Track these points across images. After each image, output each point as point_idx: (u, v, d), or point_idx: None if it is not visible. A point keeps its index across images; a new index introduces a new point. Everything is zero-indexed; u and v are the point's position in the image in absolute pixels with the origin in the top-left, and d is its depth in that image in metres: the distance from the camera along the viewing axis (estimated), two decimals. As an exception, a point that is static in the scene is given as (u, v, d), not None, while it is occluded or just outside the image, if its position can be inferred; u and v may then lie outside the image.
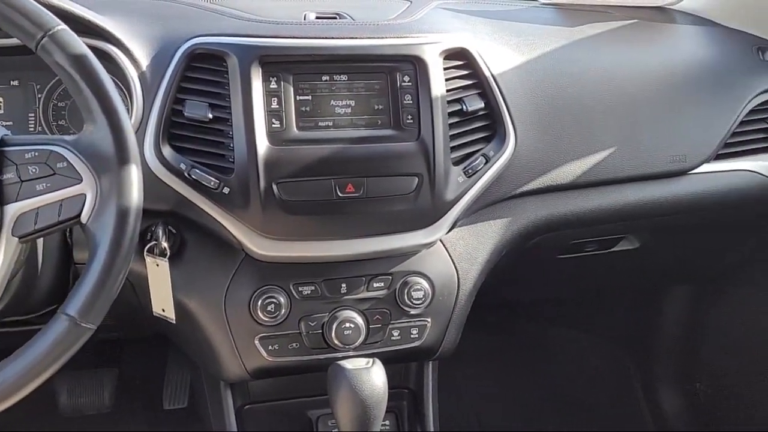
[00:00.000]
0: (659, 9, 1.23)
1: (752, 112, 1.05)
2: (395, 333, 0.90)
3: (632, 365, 1.62)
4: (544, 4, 1.18)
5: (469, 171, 0.87)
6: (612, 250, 1.16)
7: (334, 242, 0.85)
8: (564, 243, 1.10)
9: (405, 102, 0.83)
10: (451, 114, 0.86)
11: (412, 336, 0.91)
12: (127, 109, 0.79)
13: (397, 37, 0.85)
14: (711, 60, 1.09)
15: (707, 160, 1.02)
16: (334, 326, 0.86)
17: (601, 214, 1.00)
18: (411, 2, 0.98)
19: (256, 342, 0.86)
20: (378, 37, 0.84)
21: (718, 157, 1.04)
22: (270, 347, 0.87)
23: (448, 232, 0.91)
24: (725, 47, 1.12)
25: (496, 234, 0.97)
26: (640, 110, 1.00)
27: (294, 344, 0.87)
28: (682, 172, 1.02)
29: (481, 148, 0.89)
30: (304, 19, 0.89)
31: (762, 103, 1.06)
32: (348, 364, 0.82)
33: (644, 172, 0.99)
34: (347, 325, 0.87)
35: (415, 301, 0.89)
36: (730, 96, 1.04)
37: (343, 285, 0.88)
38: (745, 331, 1.36)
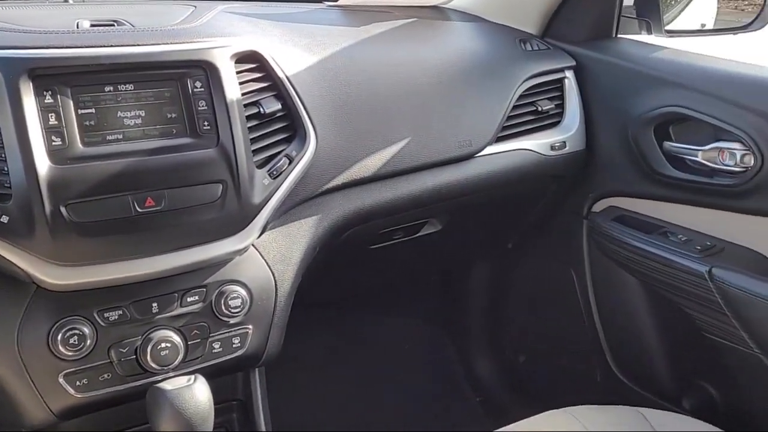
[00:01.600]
0: (435, 8, 1.32)
1: (521, 97, 1.17)
2: (216, 345, 0.88)
3: (449, 342, 1.74)
4: (330, 5, 1.22)
5: (274, 173, 0.87)
6: (418, 235, 1.23)
7: (139, 261, 0.80)
8: (373, 233, 1.15)
9: (199, 108, 0.81)
10: (249, 117, 0.85)
11: (234, 346, 0.89)
12: None
13: (184, 43, 0.82)
14: (483, 53, 1.20)
15: (489, 143, 1.12)
16: (149, 348, 0.82)
17: (405, 201, 1.06)
18: (195, 7, 0.95)
19: (61, 380, 0.79)
20: (163, 43, 0.81)
21: (499, 139, 1.14)
22: (77, 383, 0.80)
23: (260, 236, 0.90)
24: (494, 40, 1.24)
25: (308, 232, 0.98)
26: (428, 102, 1.07)
27: (105, 375, 0.81)
28: (469, 156, 1.10)
29: (284, 149, 0.89)
30: (77, 27, 0.83)
31: (528, 89, 1.18)
32: (168, 384, 0.78)
33: (437, 159, 1.07)
34: (163, 345, 0.82)
35: (233, 310, 0.87)
36: (501, 84, 1.15)
37: (154, 304, 0.84)
38: (537, 292, 1.52)
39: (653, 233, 1.15)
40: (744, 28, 1.23)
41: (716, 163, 1.06)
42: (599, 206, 1.29)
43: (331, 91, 0.97)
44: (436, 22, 1.26)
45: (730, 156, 1.04)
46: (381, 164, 1.01)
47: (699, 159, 1.08)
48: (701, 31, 1.30)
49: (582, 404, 0.98)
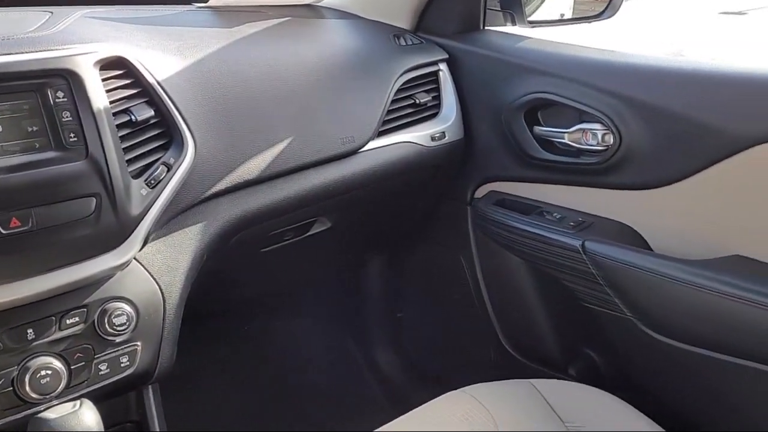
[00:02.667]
0: (308, 6, 1.32)
1: (399, 91, 1.19)
2: (103, 367, 0.83)
3: (350, 338, 1.75)
4: (199, 7, 1.19)
5: (152, 182, 0.84)
6: (308, 234, 1.23)
7: (8, 285, 0.74)
8: (263, 236, 1.13)
9: (64, 120, 0.76)
10: (120, 126, 0.81)
11: (122, 365, 0.86)
12: None
13: (42, 51, 0.77)
14: (359, 49, 1.21)
15: (372, 138, 1.14)
16: (27, 378, 0.76)
17: (291, 201, 1.06)
18: (51, 13, 0.90)
19: None
20: (17, 53, 0.75)
21: (380, 133, 1.16)
22: None
23: (142, 248, 0.87)
24: (369, 37, 1.26)
25: (194, 240, 0.95)
26: (307, 101, 1.07)
27: None
28: (353, 152, 1.12)
29: (161, 157, 0.86)
30: None
31: (405, 83, 1.20)
32: (51, 413, 0.74)
33: (321, 157, 1.07)
34: (43, 372, 0.77)
35: (118, 328, 0.83)
36: (379, 79, 1.17)
37: (30, 330, 0.78)
38: (430, 280, 1.56)
39: (531, 214, 1.22)
40: (597, 16, 1.32)
41: (581, 144, 1.14)
42: (481, 192, 1.34)
43: (206, 94, 0.95)
44: (311, 20, 1.26)
45: (593, 136, 1.12)
46: (265, 166, 1.00)
47: (566, 141, 1.16)
48: (561, 21, 1.38)
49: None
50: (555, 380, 1.06)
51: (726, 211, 1.01)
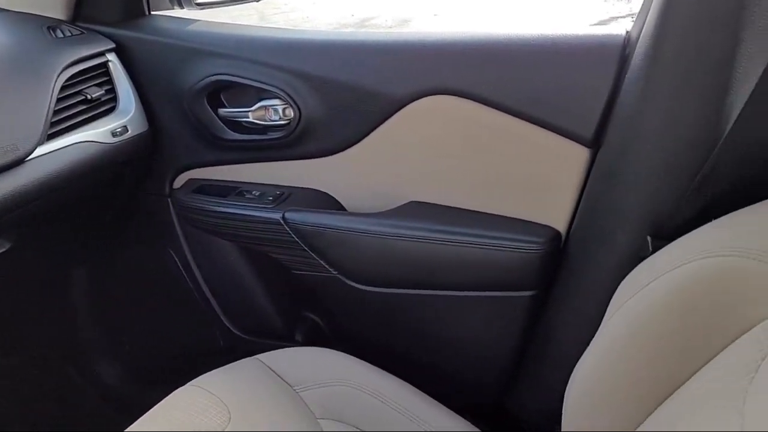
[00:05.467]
0: (-69, 0, 1.13)
1: (65, 87, 1.09)
2: None
3: (69, 360, 1.60)
4: None
5: None
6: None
7: None
8: None
9: None
10: None
11: None
12: None
13: None
14: (6, 46, 1.08)
15: (40, 143, 1.02)
16: None
17: None
18: None
19: None
20: None
21: (50, 137, 1.05)
22: None
23: None
24: (16, 30, 1.12)
25: None
26: None
27: None
28: (19, 161, 0.99)
29: None
30: None
31: (70, 78, 1.10)
32: None
33: None
34: None
35: None
36: (36, 77, 1.05)
37: None
38: (143, 281, 1.48)
39: (231, 195, 1.23)
40: (255, -4, 1.37)
41: (266, 120, 1.18)
42: (180, 182, 1.31)
43: None
44: None
45: (275, 112, 1.16)
46: None
47: (251, 119, 1.18)
48: (229, 2, 1.39)
49: None
50: (280, 350, 1.10)
51: (398, 165, 1.14)
